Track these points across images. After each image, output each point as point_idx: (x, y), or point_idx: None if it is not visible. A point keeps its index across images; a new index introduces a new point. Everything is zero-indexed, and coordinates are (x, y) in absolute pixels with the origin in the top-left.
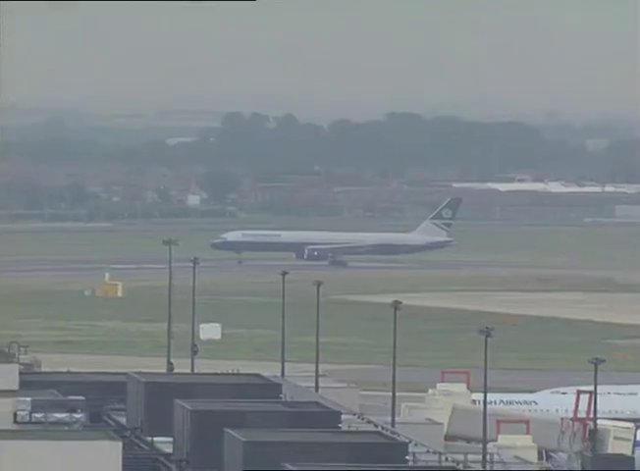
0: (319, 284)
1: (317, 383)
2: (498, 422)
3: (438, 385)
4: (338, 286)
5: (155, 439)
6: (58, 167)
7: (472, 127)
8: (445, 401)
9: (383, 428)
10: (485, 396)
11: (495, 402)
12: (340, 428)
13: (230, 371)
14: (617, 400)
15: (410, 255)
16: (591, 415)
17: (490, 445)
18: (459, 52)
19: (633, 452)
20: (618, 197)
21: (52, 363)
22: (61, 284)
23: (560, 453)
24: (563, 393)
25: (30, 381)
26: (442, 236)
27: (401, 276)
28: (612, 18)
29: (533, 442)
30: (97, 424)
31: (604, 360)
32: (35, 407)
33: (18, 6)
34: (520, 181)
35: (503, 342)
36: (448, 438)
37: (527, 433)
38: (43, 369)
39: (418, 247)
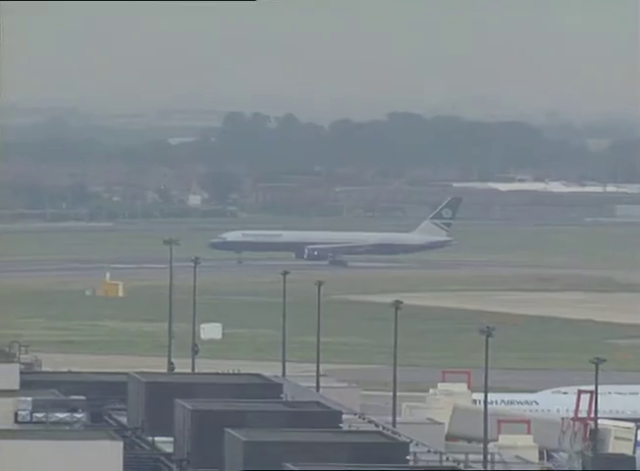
0: (320, 283)
1: (318, 383)
2: (499, 422)
3: (439, 384)
4: (338, 285)
5: (156, 438)
6: (59, 167)
7: (473, 126)
8: (446, 401)
9: (384, 428)
10: (486, 396)
11: (496, 402)
12: (341, 428)
13: (230, 371)
14: (618, 400)
15: (410, 255)
16: (592, 415)
17: (491, 445)
18: (460, 52)
19: (634, 452)
20: (620, 197)
21: (53, 363)
22: (62, 283)
23: (561, 453)
24: (564, 393)
25: (31, 380)
26: (442, 236)
27: (402, 275)
28: (612, 18)
29: (534, 441)
30: (98, 424)
31: (605, 360)
32: (36, 407)
33: (18, 6)
34: (521, 180)
35: (503, 342)
36: (449, 437)
37: (528, 433)
38: (44, 369)
39: (418, 247)
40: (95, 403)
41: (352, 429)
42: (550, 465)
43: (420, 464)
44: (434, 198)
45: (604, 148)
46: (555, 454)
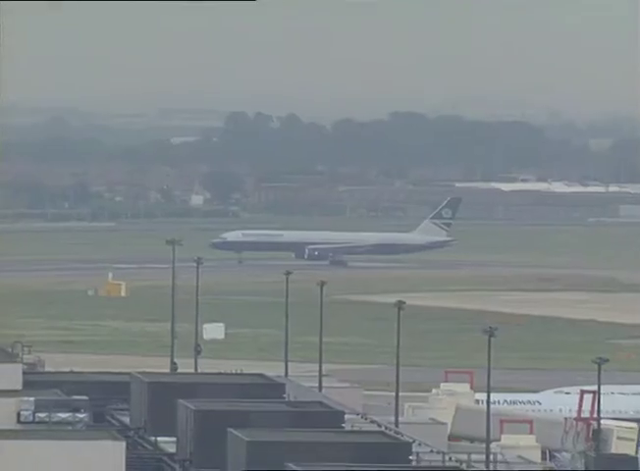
0: (322, 283)
1: (320, 383)
2: (501, 422)
3: (441, 384)
4: (339, 285)
5: (159, 438)
6: (61, 166)
7: (476, 126)
8: (448, 401)
9: (386, 428)
10: (488, 396)
11: (498, 402)
12: (343, 428)
13: (233, 371)
14: (621, 400)
15: (411, 255)
16: (594, 415)
17: (493, 445)
18: (460, 52)
19: (637, 452)
20: (622, 197)
21: (55, 363)
22: (64, 283)
23: (564, 453)
24: (567, 393)
25: (34, 380)
26: (442, 236)
27: (402, 275)
28: (612, 18)
29: (537, 441)
30: (101, 424)
31: (607, 360)
32: (39, 407)
33: (18, 6)
34: (524, 180)
35: (506, 342)
36: (451, 437)
37: (531, 433)
38: (47, 369)
39: (418, 247)
40: (98, 403)
41: (355, 429)
42: (552, 465)
43: (423, 464)
44: (437, 198)
45: (606, 148)
46: (557, 454)
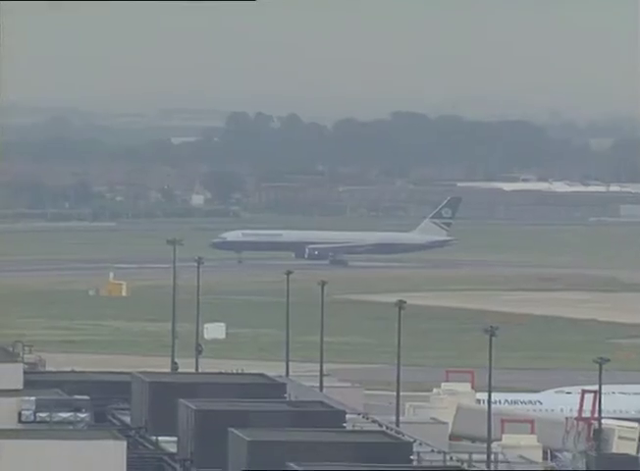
0: (323, 283)
1: (321, 382)
2: (502, 421)
3: (442, 384)
4: (339, 285)
5: (159, 438)
6: (61, 166)
7: (477, 126)
8: (449, 401)
9: (387, 427)
10: (489, 396)
11: (499, 402)
12: (344, 427)
13: (234, 371)
14: (622, 400)
15: (411, 254)
16: (595, 415)
17: (494, 445)
18: (460, 52)
19: (638, 452)
20: (623, 197)
21: (56, 363)
22: (65, 283)
23: (565, 453)
24: (568, 393)
25: (35, 380)
26: (442, 236)
27: (403, 275)
28: (612, 18)
29: (538, 441)
30: (102, 423)
31: (608, 360)
32: (40, 407)
33: (18, 6)
34: (525, 180)
35: (507, 342)
36: (452, 437)
37: (532, 432)
38: (48, 368)
39: (418, 247)
40: (99, 403)
41: (356, 429)
42: (553, 465)
43: (424, 464)
44: (438, 198)
45: (607, 148)
46: (558, 454)
